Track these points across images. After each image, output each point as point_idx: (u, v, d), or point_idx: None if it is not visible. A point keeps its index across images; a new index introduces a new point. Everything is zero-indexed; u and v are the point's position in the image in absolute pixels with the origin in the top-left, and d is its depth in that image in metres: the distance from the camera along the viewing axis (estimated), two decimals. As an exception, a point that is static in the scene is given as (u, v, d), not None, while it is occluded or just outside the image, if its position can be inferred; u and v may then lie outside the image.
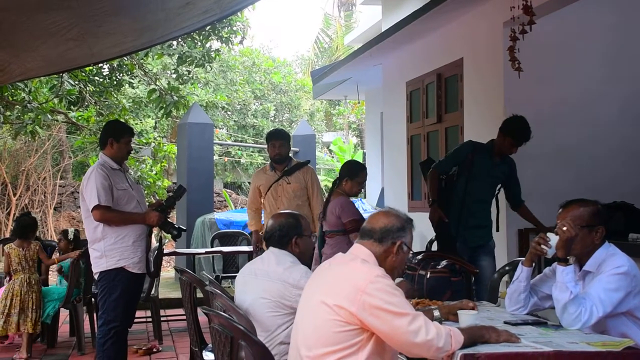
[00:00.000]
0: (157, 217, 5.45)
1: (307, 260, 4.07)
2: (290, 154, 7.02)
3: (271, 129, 7.47)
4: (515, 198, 6.35)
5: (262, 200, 6.85)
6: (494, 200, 6.35)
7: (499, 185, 6.33)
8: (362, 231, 3.13)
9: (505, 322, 3.54)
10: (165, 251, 8.09)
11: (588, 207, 3.65)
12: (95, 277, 5.45)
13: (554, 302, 3.54)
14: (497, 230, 6.41)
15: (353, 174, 5.95)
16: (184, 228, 5.70)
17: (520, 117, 6.03)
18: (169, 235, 5.79)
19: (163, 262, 8.32)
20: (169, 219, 5.59)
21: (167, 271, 12.56)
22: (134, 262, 5.35)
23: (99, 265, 5.34)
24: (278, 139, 6.76)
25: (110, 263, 5.29)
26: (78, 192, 18.11)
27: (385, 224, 3.08)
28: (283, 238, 3.96)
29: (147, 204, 5.81)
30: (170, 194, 5.69)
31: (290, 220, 4.02)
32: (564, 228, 3.55)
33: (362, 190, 6.19)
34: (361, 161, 18.24)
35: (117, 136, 5.50)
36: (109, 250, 5.29)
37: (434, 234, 6.47)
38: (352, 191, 5.98)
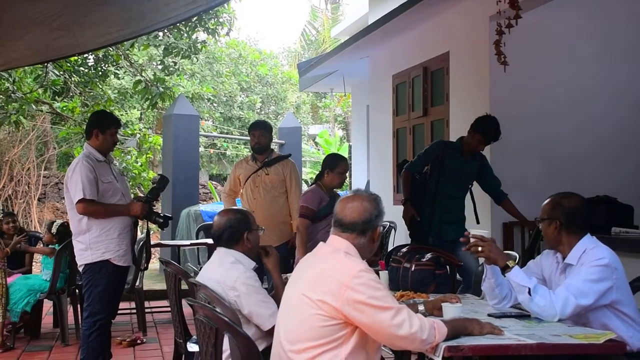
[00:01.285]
0: (140, 208, 5.40)
1: (256, 255, 4.02)
2: (275, 147, 7.04)
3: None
4: (495, 192, 6.39)
5: (241, 189, 6.89)
6: (468, 195, 6.42)
7: (472, 181, 6.40)
8: (339, 223, 3.06)
9: (489, 315, 3.57)
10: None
11: (552, 200, 3.76)
12: (80, 269, 5.42)
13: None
14: (478, 222, 6.45)
15: (333, 165, 6.15)
16: (170, 216, 5.69)
17: (492, 117, 6.14)
18: (155, 226, 5.76)
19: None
20: (153, 209, 5.57)
21: (152, 263, 12.50)
22: (120, 255, 5.32)
23: (84, 257, 5.30)
24: (257, 128, 6.79)
25: (95, 256, 5.25)
26: (62, 183, 17.95)
27: (365, 215, 3.03)
28: (234, 235, 3.90)
29: (132, 195, 5.78)
30: (154, 185, 5.64)
31: (239, 216, 3.96)
32: (479, 249, 3.64)
33: (345, 180, 6.28)
34: (347, 154, 18.27)
35: (102, 127, 5.44)
36: (94, 243, 5.25)
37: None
38: (334, 182, 6.15)
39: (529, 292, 3.43)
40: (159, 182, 5.63)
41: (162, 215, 5.57)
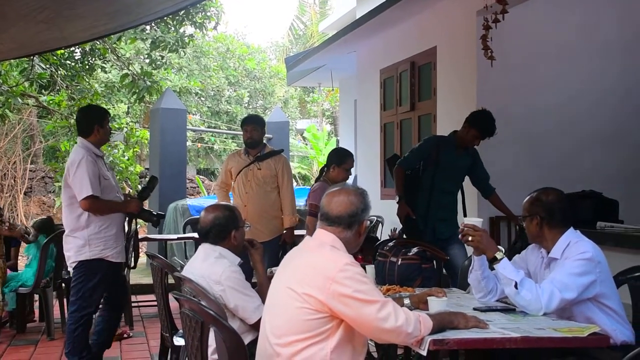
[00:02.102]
0: (137, 205, 5.44)
1: (241, 250, 4.00)
2: (265, 141, 7.02)
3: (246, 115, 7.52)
4: (484, 186, 6.39)
5: (232, 183, 6.88)
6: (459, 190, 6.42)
7: (465, 176, 6.39)
8: (326, 217, 3.06)
9: (475, 309, 3.58)
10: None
11: (531, 196, 3.78)
12: (72, 264, 5.35)
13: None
14: (465, 215, 6.45)
15: (340, 161, 6.08)
16: (163, 214, 5.71)
17: (488, 112, 6.09)
18: (142, 221, 5.78)
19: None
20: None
21: (139, 257, 12.50)
22: (117, 252, 5.34)
23: (80, 253, 5.26)
24: (250, 123, 6.78)
25: (94, 252, 5.23)
26: (49, 177, 17.95)
27: (351, 209, 3.03)
28: (222, 233, 3.87)
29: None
30: (144, 179, 5.65)
31: (227, 214, 3.92)
32: (469, 239, 3.63)
33: (349, 177, 6.21)
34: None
35: (101, 121, 5.42)
36: (93, 239, 5.22)
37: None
38: (339, 177, 6.03)
39: (515, 286, 3.45)
40: (149, 182, 5.70)
41: (155, 213, 5.63)
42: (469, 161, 6.27)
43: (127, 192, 5.87)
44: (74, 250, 5.28)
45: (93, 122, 5.39)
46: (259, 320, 3.35)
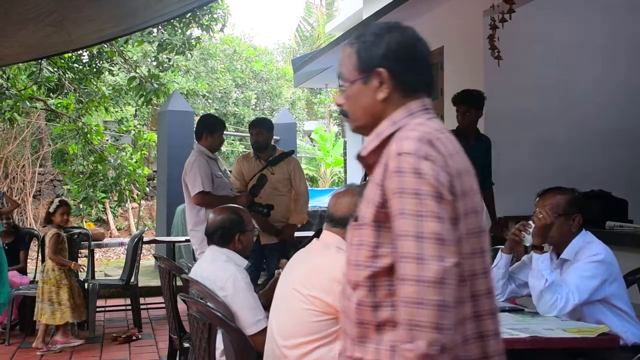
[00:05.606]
0: (246, 199, 6.00)
1: (249, 254, 3.99)
2: (274, 143, 7.00)
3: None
4: (485, 178, 6.27)
5: (247, 187, 6.82)
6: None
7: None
8: (331, 218, 3.04)
9: (483, 309, 3.56)
10: (145, 239, 8.08)
11: (565, 195, 3.68)
12: (199, 256, 5.55)
13: (530, 290, 3.57)
14: None
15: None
16: (272, 205, 6.21)
17: (468, 90, 6.06)
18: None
19: (143, 250, 8.30)
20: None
21: (147, 259, 12.52)
22: None
23: (204, 245, 5.63)
24: (255, 126, 6.75)
25: None
26: (57, 180, 17.99)
27: (355, 209, 3.01)
28: (225, 236, 3.86)
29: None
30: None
31: (232, 217, 3.91)
32: (540, 215, 3.53)
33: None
34: (342, 150, 18.20)
35: (210, 130, 6.10)
36: None
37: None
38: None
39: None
40: (258, 180, 6.27)
41: (264, 205, 6.11)
42: (483, 149, 6.16)
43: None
44: (198, 243, 5.83)
45: (203, 130, 6.14)
46: (257, 333, 3.34)
